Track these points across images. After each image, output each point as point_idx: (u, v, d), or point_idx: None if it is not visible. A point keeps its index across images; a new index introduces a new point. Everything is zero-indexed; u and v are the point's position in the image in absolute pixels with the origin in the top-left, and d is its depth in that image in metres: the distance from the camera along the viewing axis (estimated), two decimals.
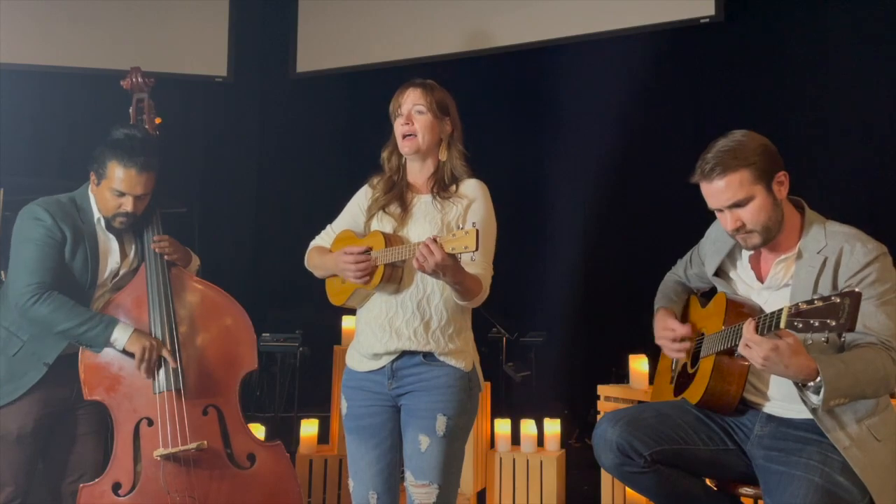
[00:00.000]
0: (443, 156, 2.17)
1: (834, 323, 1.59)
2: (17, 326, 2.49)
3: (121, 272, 2.62)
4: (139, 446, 2.49)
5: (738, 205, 1.92)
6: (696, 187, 2.04)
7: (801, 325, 1.64)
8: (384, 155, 2.24)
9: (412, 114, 2.13)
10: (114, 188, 2.49)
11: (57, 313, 2.41)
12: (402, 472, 2.14)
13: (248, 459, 2.57)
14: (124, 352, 2.48)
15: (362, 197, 2.26)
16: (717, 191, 1.93)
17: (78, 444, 2.58)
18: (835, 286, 1.87)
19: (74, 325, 2.42)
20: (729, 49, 4.31)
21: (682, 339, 2.17)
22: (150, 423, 2.50)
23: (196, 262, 2.76)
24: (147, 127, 2.78)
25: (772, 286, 2.01)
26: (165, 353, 2.49)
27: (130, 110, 2.80)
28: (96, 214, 2.57)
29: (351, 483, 2.17)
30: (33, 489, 2.52)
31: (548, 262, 4.61)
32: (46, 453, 2.54)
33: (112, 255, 2.60)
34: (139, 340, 2.47)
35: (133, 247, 2.65)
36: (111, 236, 2.60)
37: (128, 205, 2.51)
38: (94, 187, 2.56)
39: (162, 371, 2.50)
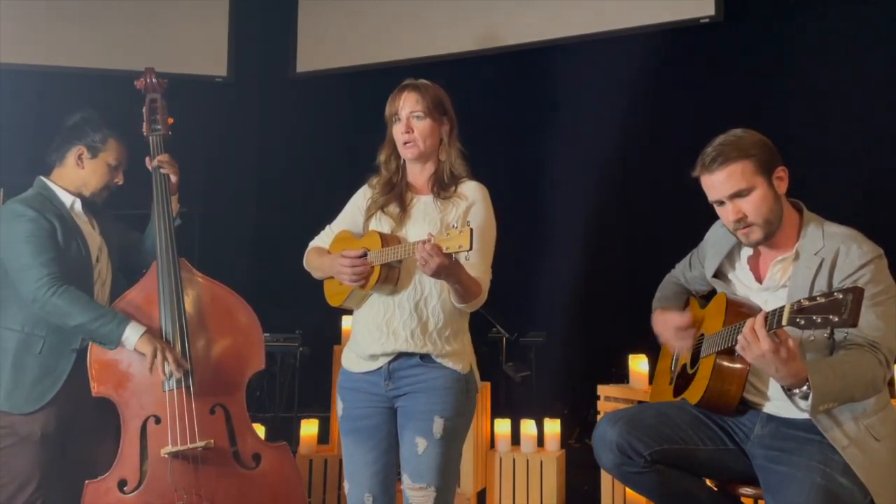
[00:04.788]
0: (442, 156, 2.17)
1: (836, 318, 1.59)
2: (31, 325, 2.51)
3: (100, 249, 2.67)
4: (146, 444, 2.50)
5: (739, 195, 1.93)
6: (697, 187, 2.04)
7: (803, 322, 1.64)
8: (381, 158, 2.23)
9: (411, 120, 2.12)
10: (112, 162, 2.65)
11: (73, 307, 2.44)
12: (399, 474, 2.13)
13: (254, 459, 2.58)
14: (135, 351, 2.49)
15: (361, 197, 2.26)
16: (718, 181, 1.94)
17: (98, 442, 2.59)
18: (830, 287, 1.88)
19: (89, 320, 2.45)
20: (729, 49, 4.30)
21: (686, 328, 2.16)
22: (158, 420, 2.51)
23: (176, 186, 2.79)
24: (161, 127, 2.80)
25: (770, 287, 2.01)
26: (171, 360, 2.49)
27: (143, 110, 2.82)
28: (68, 200, 2.62)
29: (346, 485, 2.16)
30: (54, 487, 2.53)
31: (548, 262, 4.60)
32: (67, 451, 2.56)
33: (93, 235, 2.65)
34: (150, 342, 2.48)
35: (95, 220, 2.71)
36: (85, 218, 2.65)
37: (121, 178, 2.70)
38: (72, 169, 2.63)
39: (182, 371, 2.51)
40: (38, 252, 2.47)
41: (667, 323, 2.21)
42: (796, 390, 1.76)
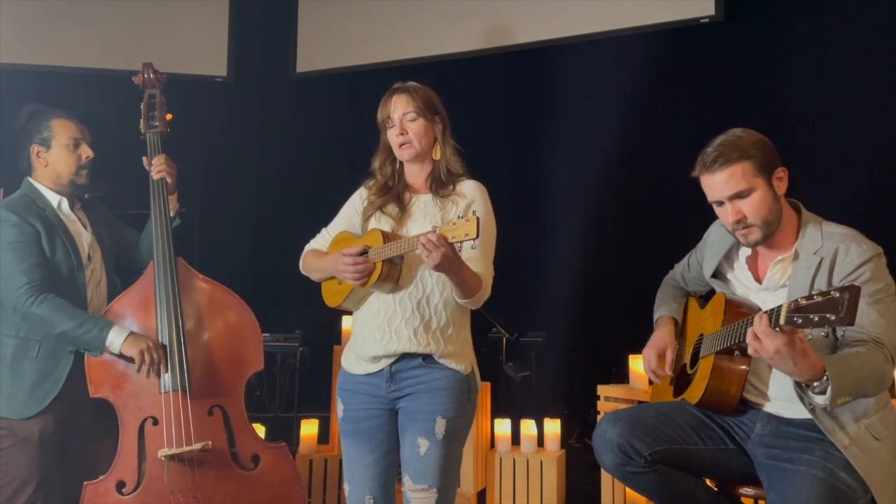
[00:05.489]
0: (437, 155, 2.17)
1: (833, 317, 1.59)
2: (26, 331, 2.50)
3: (92, 248, 2.65)
4: (144, 445, 2.49)
5: (739, 196, 1.93)
6: (697, 187, 2.04)
7: (800, 321, 1.63)
8: (375, 164, 2.23)
9: (404, 122, 2.13)
10: (67, 143, 2.60)
11: (56, 315, 2.43)
12: (399, 475, 2.13)
13: (253, 461, 2.57)
14: (121, 356, 2.48)
15: (358, 199, 2.25)
16: (718, 182, 1.94)
17: (97, 443, 2.58)
18: (829, 286, 1.87)
19: (72, 328, 2.43)
20: (729, 49, 4.30)
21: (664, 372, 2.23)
22: (156, 422, 2.50)
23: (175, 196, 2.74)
24: (158, 123, 2.77)
25: (769, 287, 2.01)
26: (155, 360, 2.47)
27: (142, 106, 2.79)
28: (54, 199, 2.60)
29: (346, 487, 2.15)
30: (53, 488, 2.52)
31: (548, 262, 4.60)
32: (66, 452, 2.55)
33: (83, 234, 2.63)
34: (135, 343, 2.46)
35: (87, 218, 2.69)
36: (74, 217, 2.63)
37: (87, 150, 2.63)
38: (40, 168, 2.61)
39: (167, 371, 2.50)
40: (20, 259, 2.45)
41: (651, 361, 2.23)
42: (815, 383, 1.75)
